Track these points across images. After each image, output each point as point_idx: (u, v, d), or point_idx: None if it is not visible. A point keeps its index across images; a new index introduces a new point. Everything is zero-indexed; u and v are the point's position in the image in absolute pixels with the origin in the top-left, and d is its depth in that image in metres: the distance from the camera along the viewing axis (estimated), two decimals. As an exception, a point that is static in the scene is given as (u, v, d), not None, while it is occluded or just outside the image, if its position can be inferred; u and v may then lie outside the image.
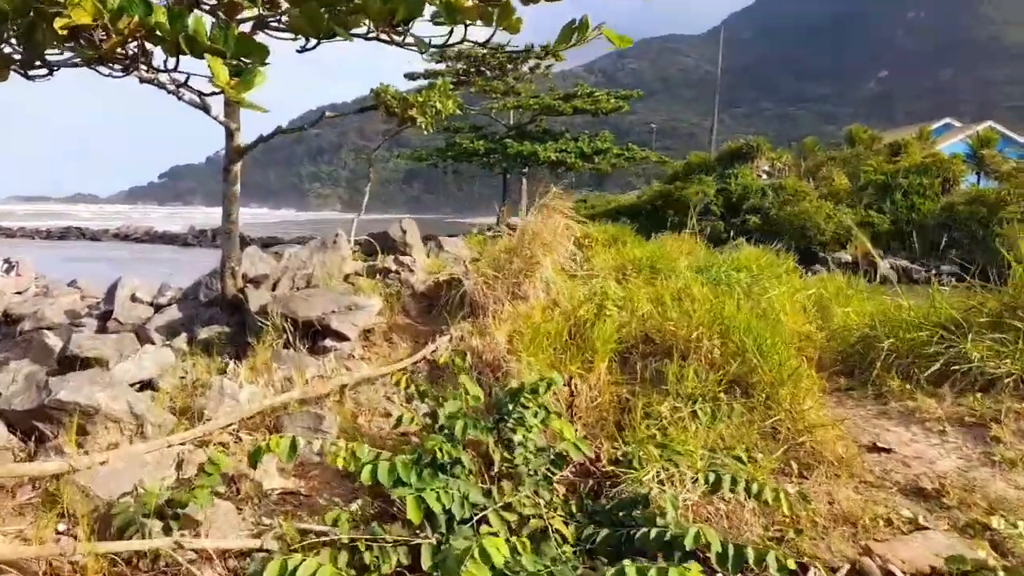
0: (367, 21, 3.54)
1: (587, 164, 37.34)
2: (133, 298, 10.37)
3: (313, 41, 3.60)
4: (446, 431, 3.25)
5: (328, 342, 4.93)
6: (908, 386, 5.15)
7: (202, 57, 2.71)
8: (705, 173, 32.13)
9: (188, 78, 2.90)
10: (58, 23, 2.98)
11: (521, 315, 4.88)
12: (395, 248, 6.99)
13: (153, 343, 5.71)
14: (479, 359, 4.55)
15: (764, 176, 32.30)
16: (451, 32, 3.59)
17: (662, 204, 29.37)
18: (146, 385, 4.31)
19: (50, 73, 3.54)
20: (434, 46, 3.51)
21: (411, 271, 6.08)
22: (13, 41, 3.46)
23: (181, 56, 3.13)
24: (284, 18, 4.10)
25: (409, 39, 3.72)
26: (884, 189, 28.22)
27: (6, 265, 14.44)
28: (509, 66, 36.79)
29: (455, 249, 7.50)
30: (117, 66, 3.29)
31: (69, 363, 4.75)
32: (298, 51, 3.51)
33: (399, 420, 3.34)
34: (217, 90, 2.54)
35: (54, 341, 6.21)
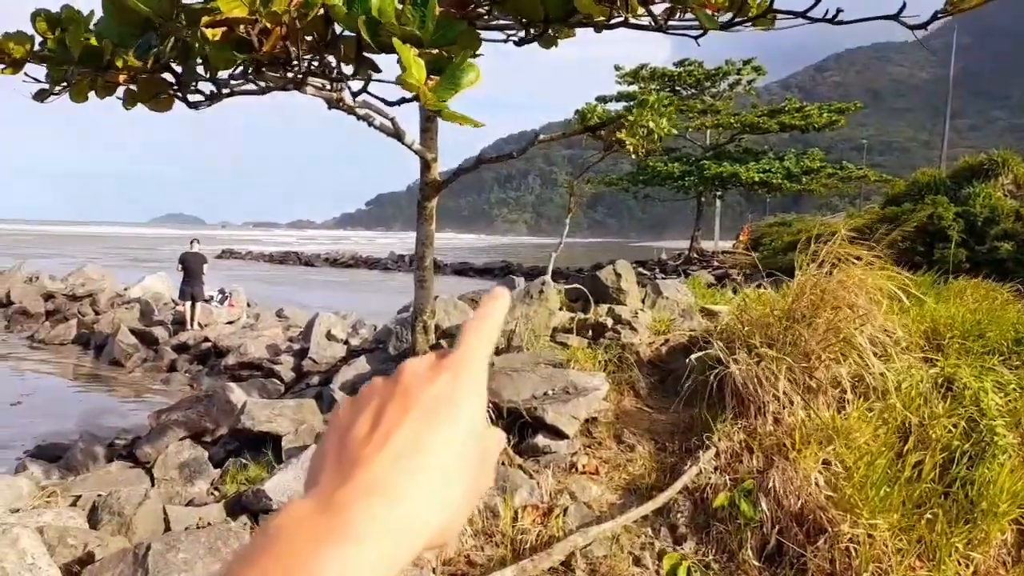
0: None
1: (795, 185, 34.08)
2: (329, 335, 10.27)
3: (534, 31, 2.60)
4: None
5: (540, 439, 3.86)
6: None
7: (388, 49, 1.74)
8: (935, 193, 28.10)
9: (369, 79, 1.97)
10: (205, 22, 2.18)
11: (831, 428, 3.43)
12: (607, 295, 5.85)
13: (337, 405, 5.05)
14: (777, 504, 3.21)
15: (1008, 196, 27.67)
16: (740, 6, 2.43)
17: (888, 229, 25.93)
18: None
19: (212, 98, 2.82)
20: (728, 26, 2.34)
21: (632, 328, 4.89)
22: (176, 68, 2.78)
23: (362, 59, 2.23)
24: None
25: (675, 20, 2.60)
26: None
27: (220, 295, 15.36)
28: (707, 83, 34.78)
29: (677, 295, 6.20)
30: (282, 82, 2.45)
31: (241, 435, 4.11)
32: (516, 43, 2.52)
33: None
34: (408, 95, 1.55)
35: (238, 396, 5.83)
